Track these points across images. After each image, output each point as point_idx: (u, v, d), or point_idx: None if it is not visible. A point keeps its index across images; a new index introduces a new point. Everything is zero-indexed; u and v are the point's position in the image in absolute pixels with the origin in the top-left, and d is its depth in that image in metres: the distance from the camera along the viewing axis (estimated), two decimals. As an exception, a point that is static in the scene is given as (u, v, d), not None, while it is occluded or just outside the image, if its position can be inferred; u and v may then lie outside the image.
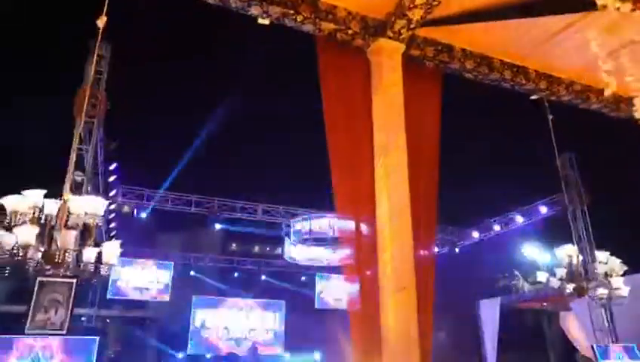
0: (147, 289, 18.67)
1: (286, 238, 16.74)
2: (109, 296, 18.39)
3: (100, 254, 4.79)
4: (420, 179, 6.66)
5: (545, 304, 18.01)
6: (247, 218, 16.09)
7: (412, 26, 6.62)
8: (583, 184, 14.57)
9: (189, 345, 19.38)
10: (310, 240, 16.12)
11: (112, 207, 14.05)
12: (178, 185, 15.24)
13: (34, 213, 4.65)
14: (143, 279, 18.52)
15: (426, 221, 6.64)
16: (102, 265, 4.64)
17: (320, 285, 21.20)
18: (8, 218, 4.61)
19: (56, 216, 4.72)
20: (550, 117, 8.45)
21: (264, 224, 17.50)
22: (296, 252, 17.14)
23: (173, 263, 19.22)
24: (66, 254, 4.33)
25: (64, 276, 9.53)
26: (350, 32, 6.70)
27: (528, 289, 20.55)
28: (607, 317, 14.53)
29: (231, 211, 15.79)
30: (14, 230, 4.42)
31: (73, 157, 9.44)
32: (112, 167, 11.79)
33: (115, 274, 18.48)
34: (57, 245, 4.34)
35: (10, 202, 4.65)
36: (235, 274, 21.06)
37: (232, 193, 15.92)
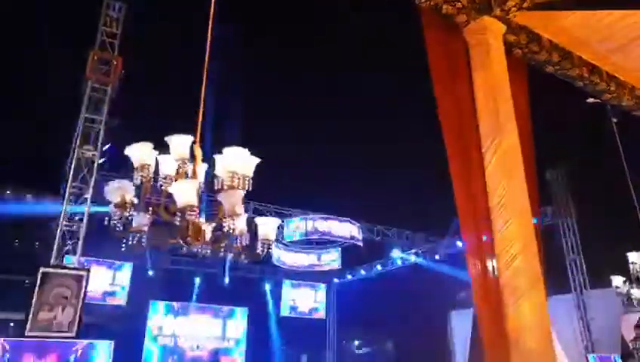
0: (102, 292, 16.81)
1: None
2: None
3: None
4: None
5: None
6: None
7: (525, 5, 6.20)
8: (572, 197, 14.89)
9: (143, 354, 17.66)
10: (303, 243, 15.23)
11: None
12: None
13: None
14: (97, 281, 16.57)
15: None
16: (263, 242, 3.67)
17: (287, 292, 20.30)
18: (137, 176, 3.53)
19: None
20: (614, 120, 8.30)
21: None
22: (285, 255, 16.12)
23: (132, 264, 17.48)
24: (234, 223, 3.35)
25: (74, 268, 8.15)
26: (458, 4, 6.16)
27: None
28: (585, 328, 14.83)
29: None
30: (171, 187, 3.39)
31: (80, 126, 8.13)
32: (106, 147, 10.30)
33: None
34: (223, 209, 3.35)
35: (140, 152, 3.57)
36: (197, 279, 19.59)
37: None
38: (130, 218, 3.49)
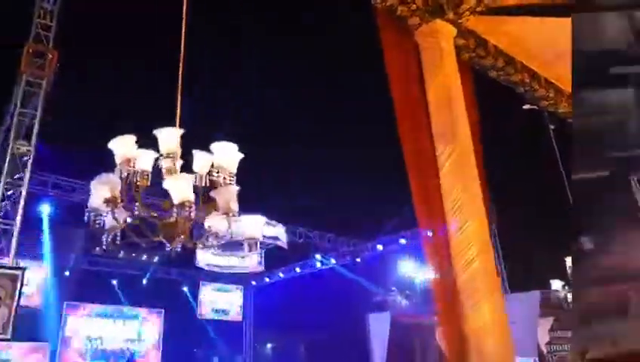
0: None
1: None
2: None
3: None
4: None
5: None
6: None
7: (479, 9, 6.23)
8: (494, 203, 15.37)
9: (56, 359, 16.31)
10: (230, 245, 14.57)
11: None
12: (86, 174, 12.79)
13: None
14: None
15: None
16: (250, 241, 3.43)
17: (205, 294, 19.85)
18: (122, 171, 3.23)
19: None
20: (552, 127, 8.58)
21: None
22: (208, 257, 15.44)
23: (48, 264, 16.14)
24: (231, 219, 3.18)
25: (8, 267, 7.44)
26: (413, 7, 6.11)
27: (405, 305, 20.69)
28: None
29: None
30: (166, 182, 3.22)
31: (15, 120, 7.51)
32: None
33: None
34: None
35: (123, 146, 3.26)
36: (114, 281, 18.51)
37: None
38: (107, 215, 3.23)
